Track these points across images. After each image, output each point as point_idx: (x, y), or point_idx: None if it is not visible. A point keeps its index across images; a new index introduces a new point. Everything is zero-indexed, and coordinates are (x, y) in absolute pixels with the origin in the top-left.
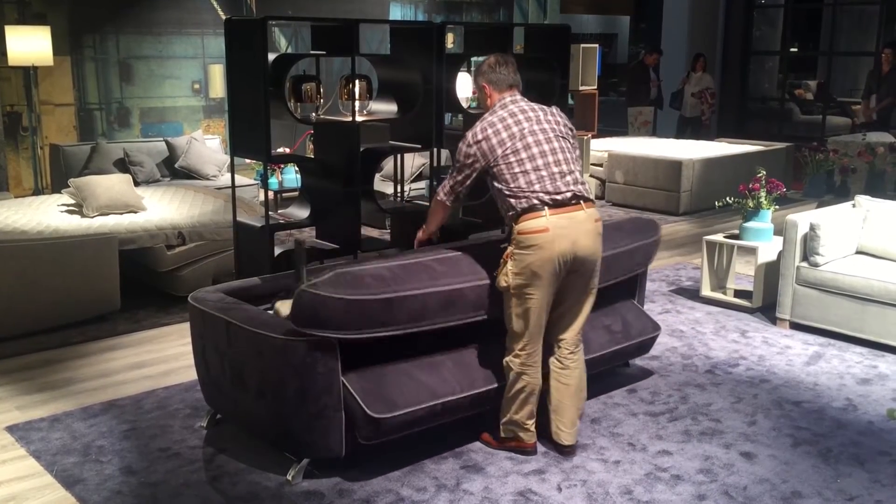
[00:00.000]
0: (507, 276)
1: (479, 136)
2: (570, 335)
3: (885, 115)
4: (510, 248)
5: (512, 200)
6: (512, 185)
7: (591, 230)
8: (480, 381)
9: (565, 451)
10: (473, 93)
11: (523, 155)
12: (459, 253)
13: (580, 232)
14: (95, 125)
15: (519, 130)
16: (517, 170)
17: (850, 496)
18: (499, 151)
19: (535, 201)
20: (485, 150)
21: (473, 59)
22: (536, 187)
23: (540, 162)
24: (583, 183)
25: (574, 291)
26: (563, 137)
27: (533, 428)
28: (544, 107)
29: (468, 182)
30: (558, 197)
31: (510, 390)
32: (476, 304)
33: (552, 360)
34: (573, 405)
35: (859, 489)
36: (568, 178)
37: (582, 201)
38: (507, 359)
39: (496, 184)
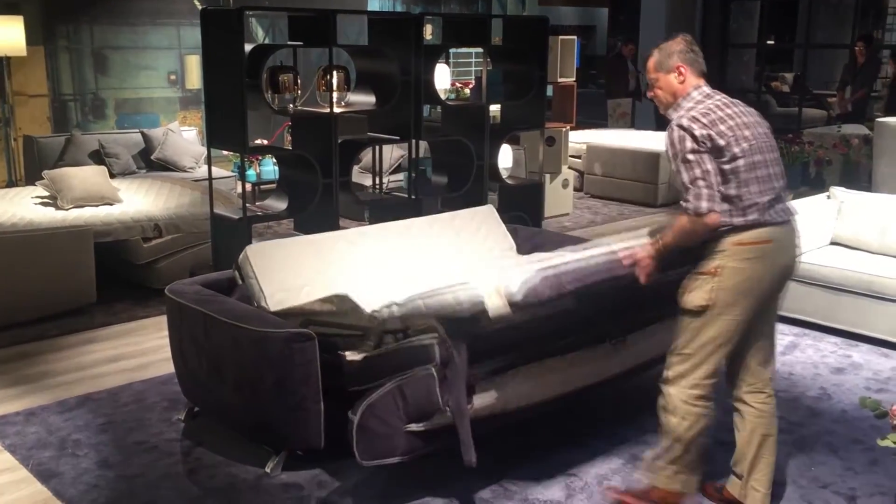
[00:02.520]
0: (712, 292)
1: (704, 121)
2: (770, 371)
3: (860, 107)
4: (716, 262)
5: (732, 208)
6: (741, 190)
7: (798, 245)
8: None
9: None
10: (452, 84)
11: (757, 158)
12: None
13: (793, 246)
14: (70, 116)
15: (744, 125)
16: (751, 174)
17: (824, 484)
18: (732, 146)
19: (761, 212)
20: (714, 137)
21: (452, 50)
22: (767, 196)
23: (770, 171)
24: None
25: (771, 316)
26: (776, 149)
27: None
28: (749, 108)
29: (717, 173)
30: (780, 210)
31: (685, 432)
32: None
33: (747, 405)
34: (773, 459)
35: (833, 477)
36: (784, 193)
37: (791, 216)
38: (677, 391)
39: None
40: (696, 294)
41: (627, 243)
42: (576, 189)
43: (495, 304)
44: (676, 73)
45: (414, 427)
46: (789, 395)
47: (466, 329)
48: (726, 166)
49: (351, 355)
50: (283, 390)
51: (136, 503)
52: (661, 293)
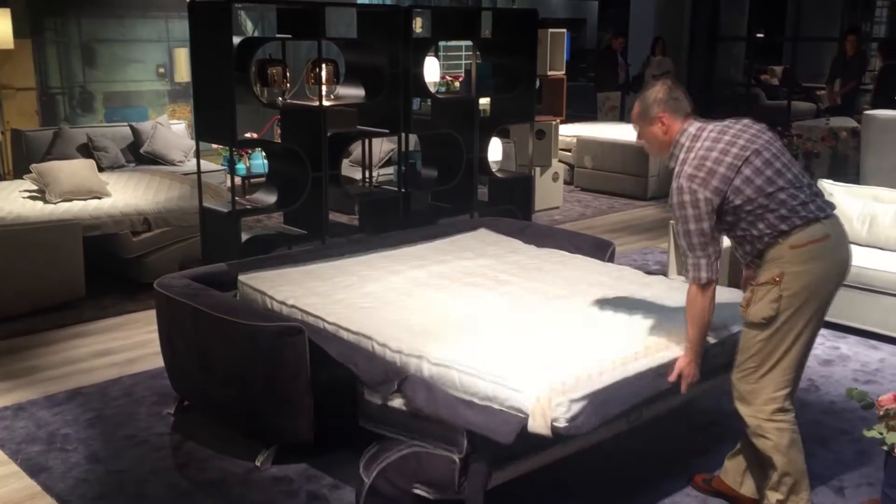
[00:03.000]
0: (777, 300)
1: (701, 175)
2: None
3: (849, 100)
4: (777, 269)
5: (771, 217)
6: (772, 204)
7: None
8: None
9: None
10: (442, 77)
11: (777, 165)
12: None
13: (846, 237)
14: (58, 110)
15: (744, 146)
16: (776, 184)
17: (812, 475)
18: (737, 178)
19: (806, 211)
20: (717, 190)
21: (441, 43)
22: (801, 197)
23: (792, 173)
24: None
25: (820, 321)
26: (786, 152)
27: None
28: (746, 122)
29: (715, 232)
30: (822, 205)
31: (773, 450)
32: None
33: (787, 421)
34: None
35: (821, 468)
36: (816, 188)
37: (833, 208)
38: (752, 411)
39: (743, 210)
40: (761, 305)
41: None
42: (566, 182)
43: (538, 423)
44: (659, 123)
45: (422, 491)
46: None
47: (492, 445)
48: (748, 189)
49: (369, 394)
50: (273, 384)
51: (126, 497)
52: None
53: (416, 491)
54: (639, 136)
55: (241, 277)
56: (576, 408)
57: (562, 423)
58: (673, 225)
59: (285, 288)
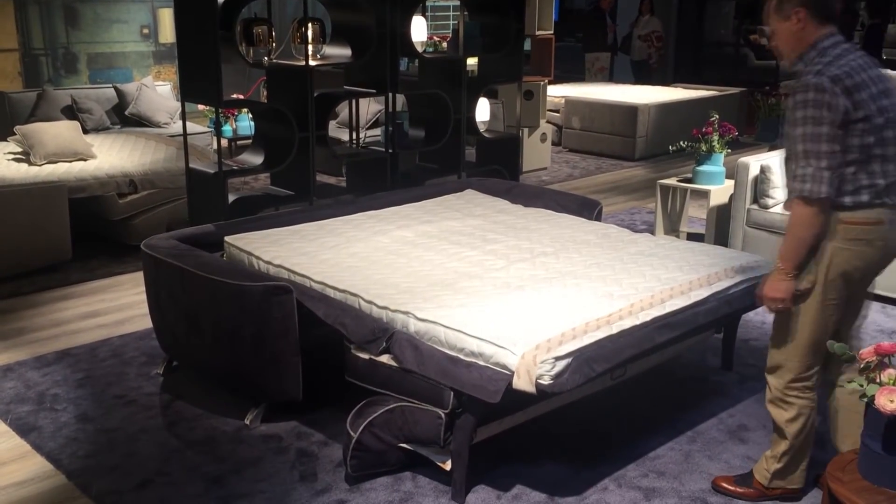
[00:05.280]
0: (814, 273)
1: (848, 83)
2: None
3: None
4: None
5: (848, 185)
6: (861, 169)
7: None
8: None
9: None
10: (430, 38)
11: (887, 134)
12: None
13: None
14: (41, 71)
15: (882, 94)
16: (878, 151)
17: None
18: (868, 121)
19: (878, 193)
20: (847, 107)
21: (429, 3)
22: (891, 178)
23: (893, 150)
24: None
25: (864, 297)
26: None
27: (806, 464)
28: (884, 73)
29: (841, 156)
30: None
31: (787, 423)
32: None
33: (809, 398)
34: None
35: None
36: None
37: None
38: (777, 381)
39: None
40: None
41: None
42: (554, 143)
43: (522, 381)
44: (795, 18)
45: (408, 446)
46: (762, 343)
47: (481, 396)
48: (855, 140)
49: (357, 350)
50: (262, 343)
51: (116, 456)
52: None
53: (403, 445)
54: (770, 37)
55: (228, 238)
56: (560, 365)
57: (546, 381)
58: (788, 131)
59: (272, 249)
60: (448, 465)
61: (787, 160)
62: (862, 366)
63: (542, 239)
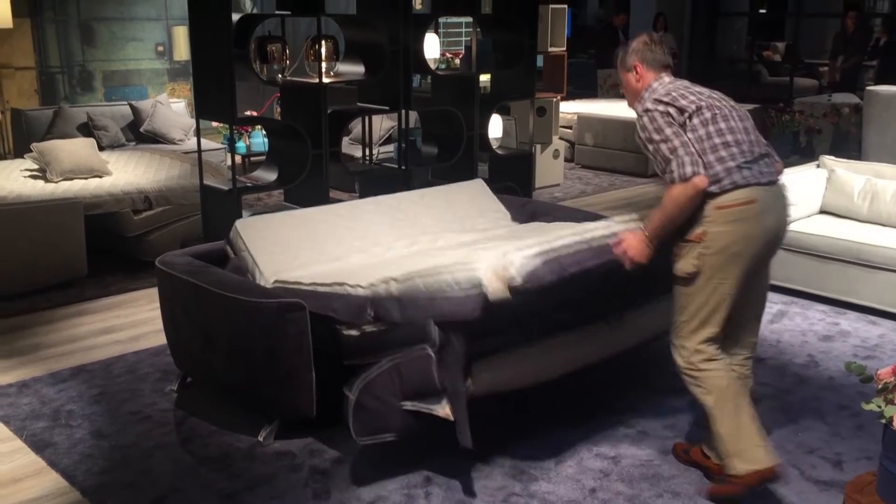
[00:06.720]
0: (699, 257)
1: (667, 99)
2: (755, 337)
3: (851, 76)
4: (700, 228)
5: (707, 174)
6: (711, 157)
7: (787, 205)
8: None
9: (776, 472)
10: (442, 54)
11: (722, 125)
12: None
13: (781, 207)
14: (58, 89)
15: (707, 97)
16: (717, 140)
17: (811, 449)
18: (694, 116)
19: (736, 175)
20: (672, 112)
21: (441, 20)
22: (741, 160)
23: (740, 136)
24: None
25: (762, 283)
26: (748, 119)
27: (765, 442)
28: (714, 91)
29: (689, 142)
30: (761, 172)
31: (705, 396)
32: None
33: (718, 368)
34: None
35: (819, 442)
36: (767, 161)
37: (777, 178)
38: (682, 359)
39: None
40: (684, 261)
41: (625, 224)
42: (566, 159)
43: (495, 287)
44: (634, 71)
45: (410, 405)
46: (777, 362)
47: (461, 328)
48: (691, 135)
49: (347, 330)
50: (275, 360)
51: (131, 472)
52: (661, 271)
53: (406, 407)
54: (620, 86)
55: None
56: (530, 264)
57: (518, 280)
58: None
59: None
60: (448, 410)
61: (661, 175)
62: (880, 386)
63: (525, 235)
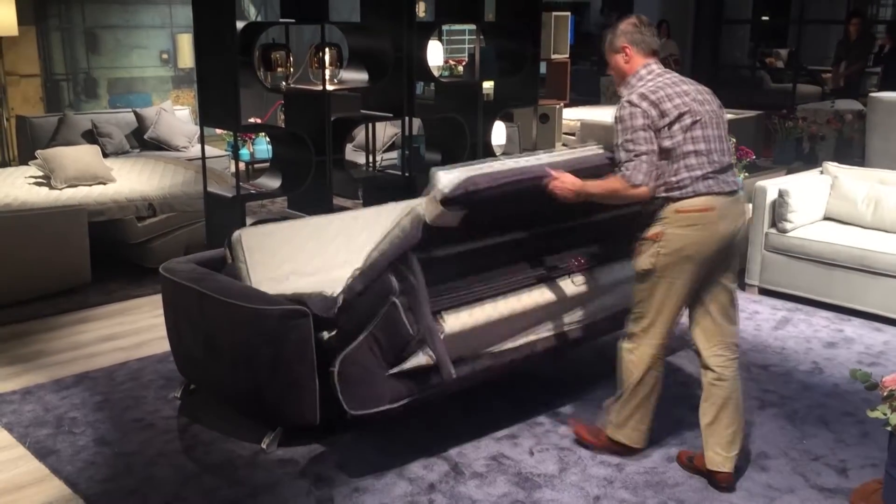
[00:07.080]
0: (655, 256)
1: (653, 98)
2: (731, 336)
3: (854, 83)
4: (658, 228)
5: (673, 179)
6: (680, 163)
7: (744, 212)
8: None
9: (720, 479)
10: (446, 62)
11: (698, 133)
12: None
13: (738, 215)
14: (62, 96)
15: (692, 101)
16: (690, 147)
17: (815, 456)
18: (674, 124)
19: (700, 183)
20: (654, 115)
21: (445, 27)
22: (707, 169)
23: (712, 146)
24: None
25: (726, 282)
26: (724, 125)
27: (648, 429)
28: (700, 86)
29: (656, 153)
30: (724, 181)
31: (633, 384)
32: None
33: (709, 369)
34: (734, 422)
35: (824, 449)
36: (731, 171)
37: (737, 188)
38: (630, 347)
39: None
40: (642, 258)
41: (564, 156)
42: None
43: (430, 209)
44: (623, 53)
45: (398, 368)
46: (782, 369)
47: (406, 245)
48: (667, 142)
49: (327, 333)
50: (279, 367)
51: (134, 480)
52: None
53: (393, 371)
54: (607, 67)
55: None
56: (454, 177)
57: (447, 191)
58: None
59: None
60: (428, 355)
61: (617, 166)
62: (885, 394)
63: None
